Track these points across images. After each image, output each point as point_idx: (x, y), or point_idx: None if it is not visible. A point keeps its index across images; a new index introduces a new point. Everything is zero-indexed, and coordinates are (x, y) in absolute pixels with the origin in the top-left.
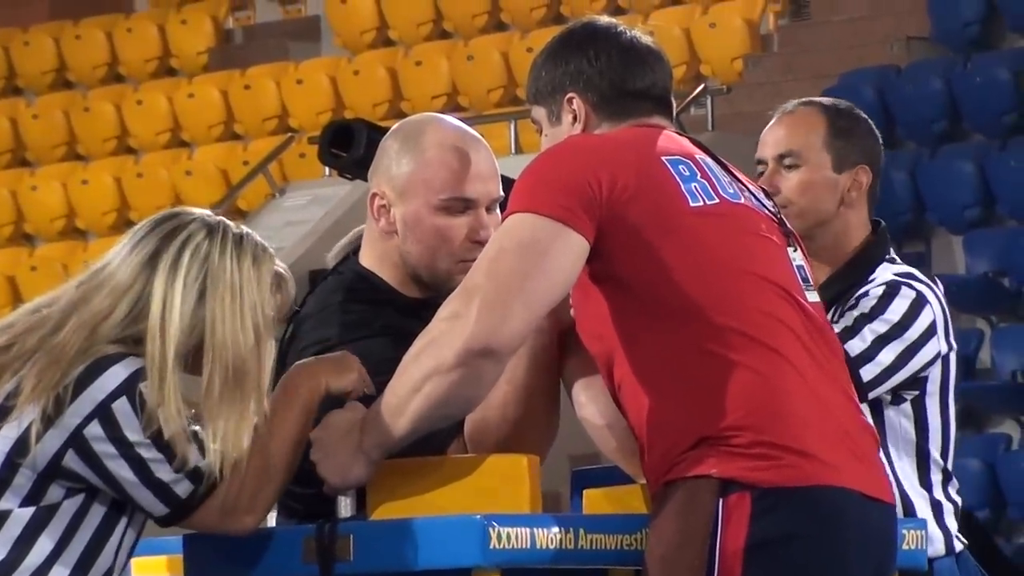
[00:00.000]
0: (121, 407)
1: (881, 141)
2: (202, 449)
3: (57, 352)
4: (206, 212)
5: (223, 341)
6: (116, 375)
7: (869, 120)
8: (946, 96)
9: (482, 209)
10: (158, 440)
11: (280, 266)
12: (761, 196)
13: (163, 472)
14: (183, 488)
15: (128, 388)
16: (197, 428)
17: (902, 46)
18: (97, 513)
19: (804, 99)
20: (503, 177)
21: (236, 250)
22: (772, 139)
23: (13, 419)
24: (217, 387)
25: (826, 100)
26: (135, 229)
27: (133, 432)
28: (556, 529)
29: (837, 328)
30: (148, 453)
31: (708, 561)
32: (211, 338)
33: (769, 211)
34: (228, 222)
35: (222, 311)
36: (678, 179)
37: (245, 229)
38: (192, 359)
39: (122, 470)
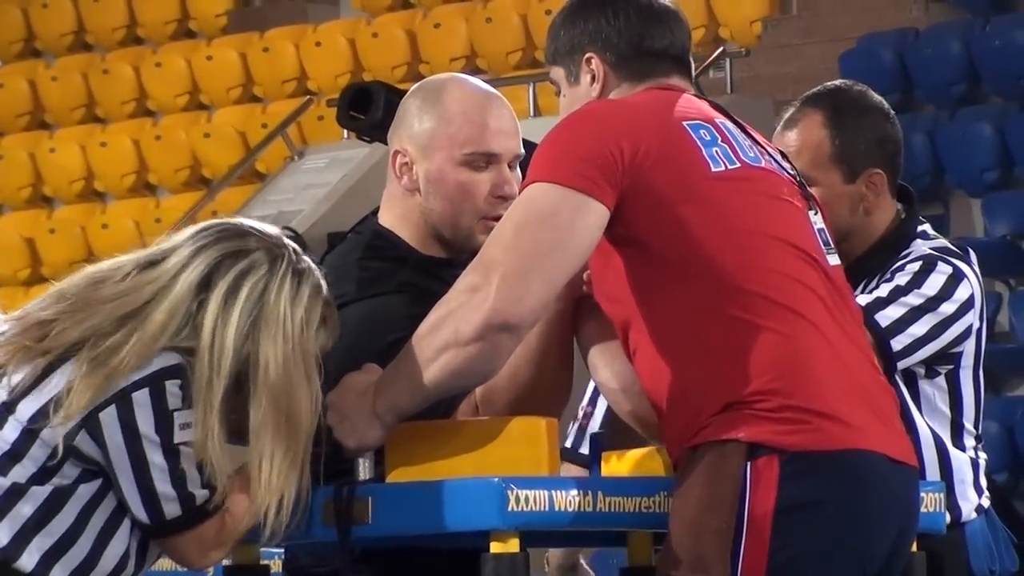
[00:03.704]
0: (140, 398)
1: (895, 120)
2: (204, 476)
3: (113, 367)
4: (273, 237)
5: (276, 384)
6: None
7: (879, 103)
8: (965, 58)
9: (505, 165)
10: (167, 444)
11: (328, 303)
12: (780, 159)
13: (160, 482)
14: (171, 509)
15: (152, 381)
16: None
17: (921, 8)
18: (112, 501)
19: (808, 96)
20: (525, 141)
21: (291, 293)
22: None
23: (43, 397)
24: (270, 429)
25: (832, 94)
26: (201, 228)
27: (146, 425)
28: (574, 492)
29: (870, 298)
30: (153, 455)
31: (736, 525)
32: (264, 378)
33: (789, 174)
34: (292, 252)
35: (275, 353)
36: (699, 144)
37: (307, 264)
38: (234, 388)
39: (123, 463)
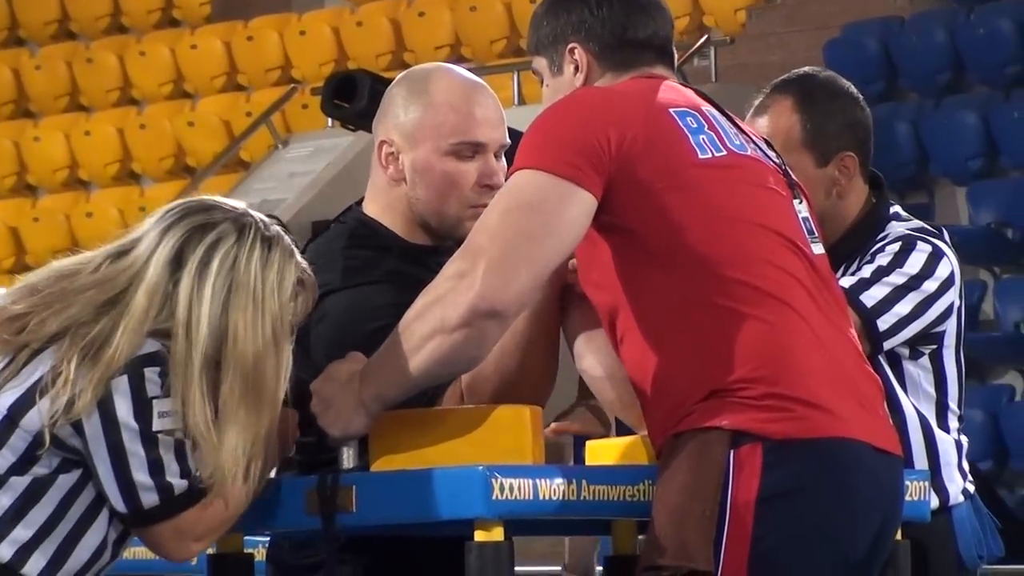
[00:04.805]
0: (119, 384)
1: (864, 105)
2: (183, 466)
3: (107, 360)
4: (239, 208)
5: (244, 351)
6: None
7: (849, 89)
8: (950, 47)
9: (491, 154)
10: (145, 432)
11: (303, 268)
12: (765, 147)
13: (138, 472)
14: (148, 499)
15: (131, 368)
16: (187, 441)
17: None
18: (91, 492)
19: (777, 82)
20: (510, 129)
21: (262, 259)
22: None
23: (23, 386)
24: (236, 395)
25: (801, 80)
26: (166, 210)
27: (124, 412)
28: (559, 480)
29: (852, 280)
30: (131, 443)
31: (719, 512)
32: (232, 348)
33: (774, 163)
34: (259, 221)
35: (244, 321)
36: (686, 131)
37: (275, 230)
38: (215, 366)
39: (101, 450)
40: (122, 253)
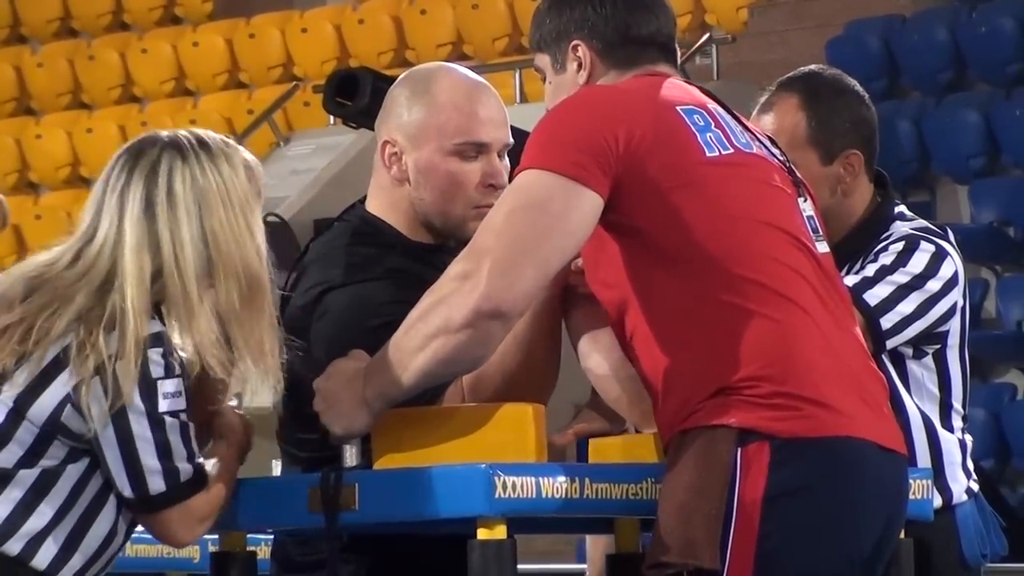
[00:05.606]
0: (122, 368)
1: (870, 104)
2: (189, 449)
3: (133, 332)
4: (161, 133)
5: (228, 251)
6: None
7: (854, 87)
8: (951, 45)
9: (495, 154)
10: (152, 413)
11: (240, 149)
12: (770, 145)
13: (145, 454)
14: (155, 484)
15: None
16: (190, 424)
17: None
18: (99, 480)
19: (782, 80)
20: (514, 128)
21: (211, 161)
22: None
23: (30, 374)
24: (236, 297)
25: (806, 77)
26: (104, 180)
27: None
28: (562, 478)
29: (855, 279)
30: (138, 426)
31: (726, 510)
32: (217, 254)
33: (779, 160)
34: (186, 133)
35: (220, 222)
36: (693, 129)
37: (201, 131)
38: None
39: (108, 434)
40: (88, 240)
